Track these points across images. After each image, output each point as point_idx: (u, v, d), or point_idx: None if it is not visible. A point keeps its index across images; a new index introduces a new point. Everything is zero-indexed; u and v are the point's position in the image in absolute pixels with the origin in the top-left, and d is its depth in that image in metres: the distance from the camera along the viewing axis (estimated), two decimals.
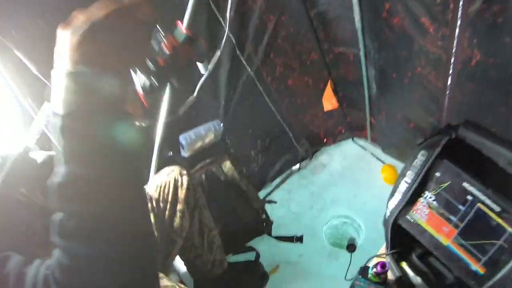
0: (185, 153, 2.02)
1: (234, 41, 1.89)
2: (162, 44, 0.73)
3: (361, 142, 2.47)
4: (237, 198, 2.09)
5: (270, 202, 2.30)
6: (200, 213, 1.76)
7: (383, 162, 2.35)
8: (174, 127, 1.96)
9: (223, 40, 1.82)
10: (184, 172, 1.66)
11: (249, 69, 2.03)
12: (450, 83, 1.65)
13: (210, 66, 1.84)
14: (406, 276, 1.30)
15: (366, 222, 2.18)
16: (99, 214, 0.53)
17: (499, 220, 0.96)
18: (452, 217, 1.07)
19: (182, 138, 1.98)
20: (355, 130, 2.44)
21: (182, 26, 0.75)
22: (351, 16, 1.85)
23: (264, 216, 2.22)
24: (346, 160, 2.44)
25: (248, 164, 2.31)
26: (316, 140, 2.46)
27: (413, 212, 1.17)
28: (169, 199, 1.60)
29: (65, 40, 0.53)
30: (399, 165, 2.24)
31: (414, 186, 1.14)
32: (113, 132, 0.54)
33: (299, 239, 2.17)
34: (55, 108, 0.53)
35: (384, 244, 1.49)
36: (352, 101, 2.29)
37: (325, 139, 2.47)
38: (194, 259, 1.78)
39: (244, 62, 1.99)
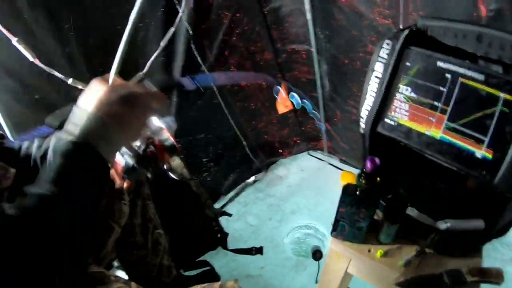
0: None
1: (191, 33, 1.81)
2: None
3: (318, 154, 2.38)
4: (186, 201, 1.84)
5: (225, 214, 2.06)
6: (143, 203, 1.50)
7: (341, 170, 2.26)
8: None
9: (177, 20, 1.73)
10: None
11: (203, 66, 1.92)
12: None
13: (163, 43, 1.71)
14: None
15: (330, 229, 2.00)
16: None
17: (487, 89, 0.84)
18: (436, 103, 0.93)
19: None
20: (311, 141, 2.36)
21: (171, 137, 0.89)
22: (303, 9, 1.89)
23: (218, 227, 1.96)
24: (304, 172, 2.32)
25: (200, 172, 2.10)
26: (271, 151, 2.33)
27: (391, 113, 1.03)
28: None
29: (99, 90, 0.64)
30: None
31: (387, 78, 1.00)
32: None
33: (259, 250, 1.92)
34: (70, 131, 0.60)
35: None
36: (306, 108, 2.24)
37: (280, 151, 2.35)
38: (137, 262, 1.48)
39: (197, 57, 1.89)
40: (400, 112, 1.01)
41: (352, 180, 2.13)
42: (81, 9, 1.49)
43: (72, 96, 0.93)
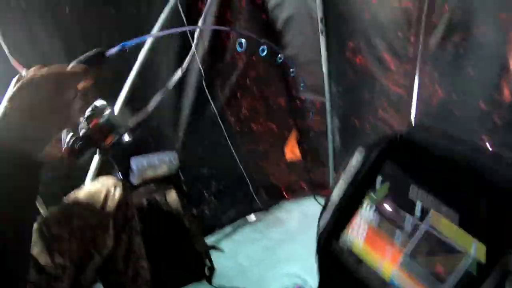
0: (134, 180, 1.90)
1: (202, 72, 1.90)
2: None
3: (322, 200, 2.36)
4: (178, 234, 1.91)
5: (216, 248, 2.10)
6: (129, 237, 1.56)
7: None
8: (128, 147, 1.86)
9: (186, 61, 1.82)
10: (121, 185, 1.51)
11: (213, 106, 1.99)
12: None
13: (170, 85, 1.81)
14: None
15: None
16: None
17: (460, 233, 0.75)
18: (399, 232, 0.85)
19: (134, 163, 1.86)
20: (318, 188, 2.35)
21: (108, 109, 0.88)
22: (319, 60, 1.91)
23: (206, 261, 2.00)
24: (306, 218, 2.29)
25: (200, 205, 2.15)
26: (275, 193, 2.34)
27: (348, 231, 0.96)
28: (96, 209, 1.43)
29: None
30: None
31: (350, 192, 0.96)
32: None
33: None
34: None
35: None
36: (316, 155, 2.24)
37: (285, 194, 2.36)
38: (117, 285, 1.55)
39: (209, 97, 1.97)
40: (358, 232, 0.95)
41: None
42: (94, 40, 1.63)
43: None
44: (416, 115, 1.59)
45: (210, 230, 2.20)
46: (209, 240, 2.16)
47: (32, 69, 0.65)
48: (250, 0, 1.89)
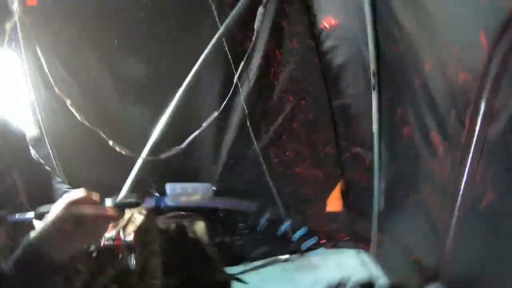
0: (169, 203, 2.03)
1: (246, 111, 1.90)
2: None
3: (363, 255, 2.20)
4: (200, 262, 1.99)
5: (239, 280, 2.13)
6: (145, 260, 1.70)
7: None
8: (171, 173, 1.99)
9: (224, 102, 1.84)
10: (144, 212, 1.63)
11: (256, 145, 1.99)
12: (455, 223, 1.41)
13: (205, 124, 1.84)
14: None
15: None
16: None
17: None
18: None
19: (168, 187, 1.99)
20: (360, 242, 2.19)
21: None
22: (370, 116, 1.74)
23: None
24: (340, 269, 2.18)
25: (232, 234, 2.20)
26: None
27: None
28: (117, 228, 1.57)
29: (59, 206, 0.88)
30: None
31: None
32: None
33: None
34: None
35: None
36: (362, 209, 2.08)
37: (323, 241, 2.26)
38: None
39: (252, 136, 1.97)
40: None
41: None
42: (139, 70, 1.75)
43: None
44: (459, 214, 1.36)
45: (240, 260, 2.23)
46: (236, 270, 2.20)
47: (76, 194, 0.90)
48: (302, 41, 1.79)
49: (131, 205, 1.01)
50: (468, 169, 1.29)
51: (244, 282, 2.14)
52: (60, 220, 0.89)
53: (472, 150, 1.28)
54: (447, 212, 1.42)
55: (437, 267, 1.59)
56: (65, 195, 0.93)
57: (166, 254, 1.75)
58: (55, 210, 0.90)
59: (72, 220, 0.89)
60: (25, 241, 0.88)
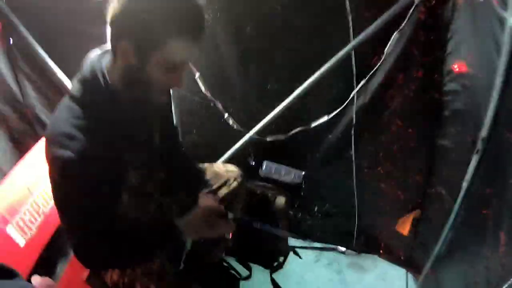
0: (261, 173, 2.36)
1: (354, 121, 2.06)
2: None
3: (410, 278, 2.34)
4: (270, 228, 2.31)
5: (296, 253, 2.44)
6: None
7: None
8: (268, 151, 2.30)
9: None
10: (240, 179, 1.92)
11: (353, 150, 2.18)
12: None
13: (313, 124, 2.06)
14: None
15: None
16: None
17: None
18: None
19: (265, 163, 2.31)
20: (412, 268, 2.32)
21: None
22: (465, 171, 1.78)
23: (281, 258, 2.38)
24: (383, 282, 2.36)
25: (306, 213, 2.48)
26: (373, 245, 2.45)
27: None
28: (213, 187, 1.90)
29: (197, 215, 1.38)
30: None
31: None
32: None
33: None
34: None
35: None
36: (425, 242, 2.19)
37: (381, 251, 2.43)
38: None
39: (352, 142, 2.15)
40: None
41: None
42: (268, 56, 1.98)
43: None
44: None
45: (303, 236, 2.53)
46: (297, 243, 2.51)
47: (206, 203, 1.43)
48: (429, 74, 1.84)
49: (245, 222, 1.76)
50: None
51: (299, 257, 2.45)
52: (199, 219, 1.35)
53: None
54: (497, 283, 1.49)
55: None
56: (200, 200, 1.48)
57: (249, 211, 2.08)
58: (199, 211, 1.38)
59: (206, 223, 1.36)
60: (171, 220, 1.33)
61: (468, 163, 1.74)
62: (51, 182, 1.18)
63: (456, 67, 1.75)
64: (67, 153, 1.07)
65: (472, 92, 1.69)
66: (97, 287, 1.59)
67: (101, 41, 1.39)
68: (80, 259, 1.23)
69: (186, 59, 1.17)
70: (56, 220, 1.63)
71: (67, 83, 2.03)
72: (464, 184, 1.79)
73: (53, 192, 1.20)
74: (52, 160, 1.12)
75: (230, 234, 1.62)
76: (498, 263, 1.46)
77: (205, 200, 1.53)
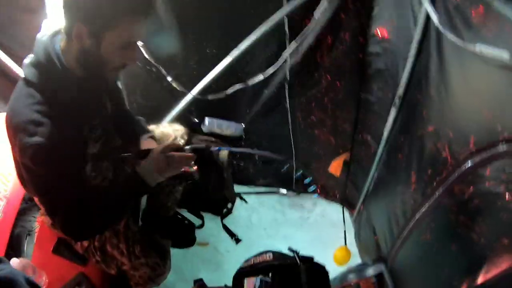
0: (204, 129, 2.44)
1: (288, 77, 2.15)
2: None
3: (347, 214, 2.63)
4: (215, 178, 2.46)
5: (242, 199, 2.64)
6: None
7: (345, 243, 2.49)
8: (209, 108, 2.38)
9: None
10: (186, 137, 2.00)
11: (287, 103, 2.30)
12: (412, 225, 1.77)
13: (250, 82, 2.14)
14: None
15: None
16: None
17: None
18: None
19: (207, 119, 2.38)
20: (346, 204, 2.61)
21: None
22: (386, 121, 1.97)
23: (229, 205, 2.57)
24: (322, 219, 2.65)
25: (249, 162, 2.65)
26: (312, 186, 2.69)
27: None
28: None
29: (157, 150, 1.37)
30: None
31: None
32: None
33: (238, 241, 2.51)
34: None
35: None
36: (356, 182, 2.45)
37: (319, 190, 2.68)
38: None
39: (287, 95, 2.26)
40: None
41: (343, 258, 2.40)
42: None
43: None
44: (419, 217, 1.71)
45: (248, 181, 2.72)
46: (242, 189, 2.70)
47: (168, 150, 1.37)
48: (354, 36, 1.93)
49: (202, 151, 1.55)
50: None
51: (245, 201, 2.66)
52: (158, 159, 1.32)
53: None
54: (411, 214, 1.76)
55: (388, 254, 2.02)
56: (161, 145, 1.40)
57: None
58: (155, 152, 1.35)
59: (165, 159, 1.32)
60: (131, 170, 1.33)
61: (388, 115, 1.94)
62: (24, 170, 1.22)
63: (378, 32, 1.86)
64: (37, 139, 1.12)
65: (392, 55, 1.81)
66: (66, 256, 1.70)
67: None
68: (70, 234, 1.33)
69: (139, 37, 1.21)
70: (17, 202, 1.69)
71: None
72: (385, 132, 2.00)
73: (28, 179, 1.24)
74: (23, 148, 1.15)
75: (195, 167, 1.64)
76: (411, 197, 1.71)
77: (149, 143, 1.63)
